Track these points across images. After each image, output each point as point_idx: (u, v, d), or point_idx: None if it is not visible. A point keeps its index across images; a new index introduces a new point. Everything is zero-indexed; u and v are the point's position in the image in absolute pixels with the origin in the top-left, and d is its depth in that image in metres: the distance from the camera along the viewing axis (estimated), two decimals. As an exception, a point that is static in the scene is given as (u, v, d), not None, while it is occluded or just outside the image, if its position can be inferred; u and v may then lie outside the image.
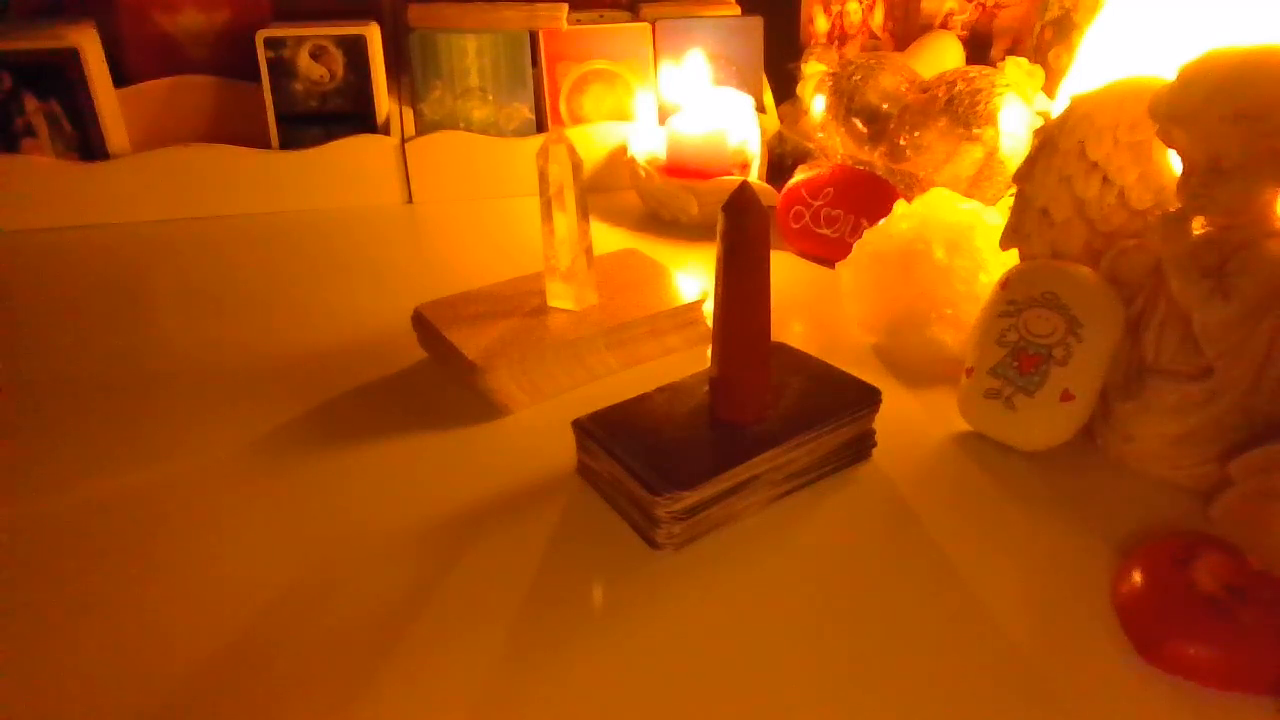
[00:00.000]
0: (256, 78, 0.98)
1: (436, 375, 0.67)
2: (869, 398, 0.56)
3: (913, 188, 0.84)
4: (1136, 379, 0.55)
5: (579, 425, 0.54)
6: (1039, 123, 0.81)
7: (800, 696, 0.42)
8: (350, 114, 1.00)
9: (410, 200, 1.02)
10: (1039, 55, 0.92)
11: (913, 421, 0.61)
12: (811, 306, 0.78)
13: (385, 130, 1.01)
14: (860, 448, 0.57)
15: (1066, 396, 0.54)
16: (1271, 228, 0.51)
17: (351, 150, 0.99)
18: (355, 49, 0.98)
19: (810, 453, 0.54)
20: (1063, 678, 0.42)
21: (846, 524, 0.52)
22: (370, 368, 0.68)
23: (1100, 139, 0.58)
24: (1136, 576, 0.45)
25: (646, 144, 0.99)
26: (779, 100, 1.11)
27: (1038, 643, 0.44)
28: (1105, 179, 0.59)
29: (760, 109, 1.05)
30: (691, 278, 0.74)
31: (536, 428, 0.61)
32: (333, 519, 0.53)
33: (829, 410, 0.54)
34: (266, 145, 0.99)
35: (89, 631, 0.45)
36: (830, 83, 0.91)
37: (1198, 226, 0.53)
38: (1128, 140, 0.58)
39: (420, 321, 0.67)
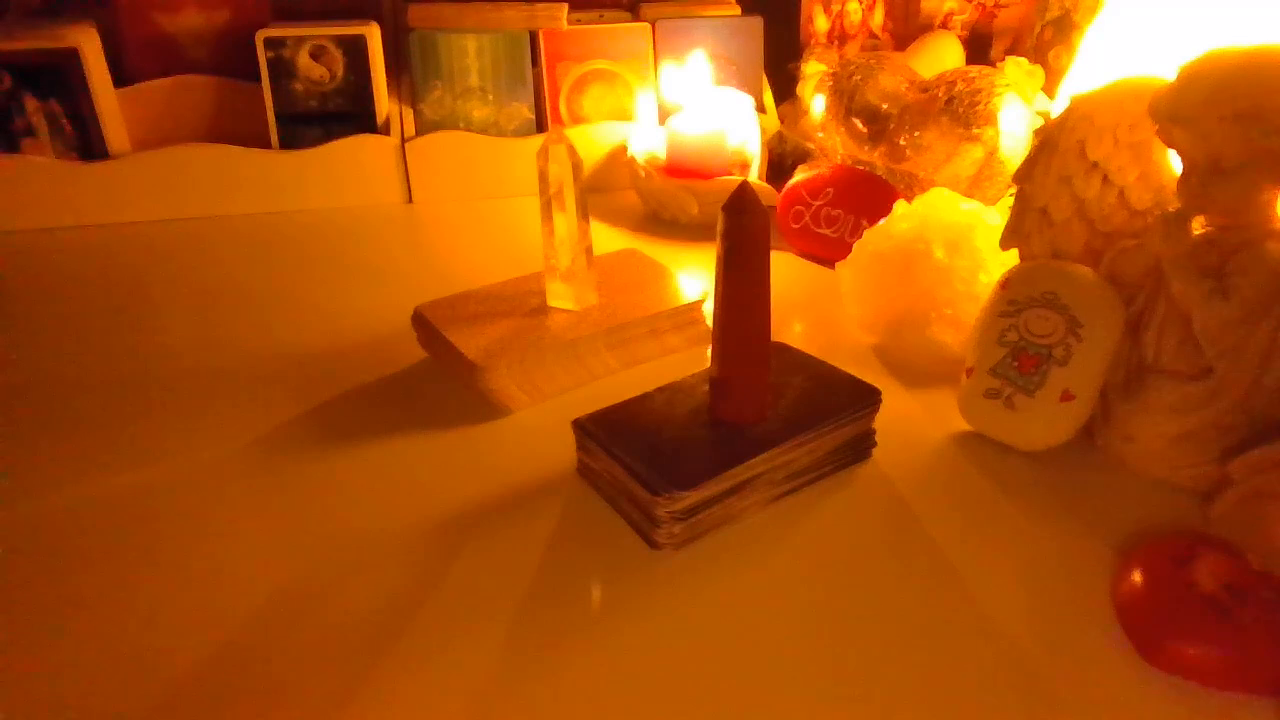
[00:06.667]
0: (256, 78, 0.98)
1: (436, 375, 0.67)
2: (869, 398, 0.56)
3: (913, 188, 0.84)
4: (1136, 379, 0.55)
5: (579, 425, 0.54)
6: (1039, 123, 0.81)
7: (800, 696, 0.42)
8: (350, 114, 1.00)
9: (410, 200, 1.02)
10: (1039, 55, 0.92)
11: (913, 421, 0.61)
12: (811, 306, 0.78)
13: (385, 130, 1.01)
14: (860, 448, 0.57)
15: (1066, 396, 0.54)
16: (1271, 228, 0.51)
17: (351, 150, 0.99)
18: (355, 49, 0.98)
19: (810, 453, 0.54)
20: (1063, 678, 0.42)
21: (846, 524, 0.52)
22: (370, 368, 0.68)
23: (1100, 139, 0.58)
24: (1136, 576, 0.45)
25: (646, 144, 0.99)
26: (779, 100, 1.11)
27: (1038, 643, 0.44)
28: (1105, 179, 0.59)
29: (760, 109, 1.05)
30: (691, 278, 0.74)
31: (536, 428, 0.61)
32: (332, 519, 0.53)
33: (829, 410, 0.54)
34: (266, 145, 0.99)
35: (88, 630, 0.45)
36: (830, 83, 0.91)
37: (1198, 226, 0.53)
38: (1128, 140, 0.58)
39: (420, 321, 0.67)
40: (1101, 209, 0.60)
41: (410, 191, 1.02)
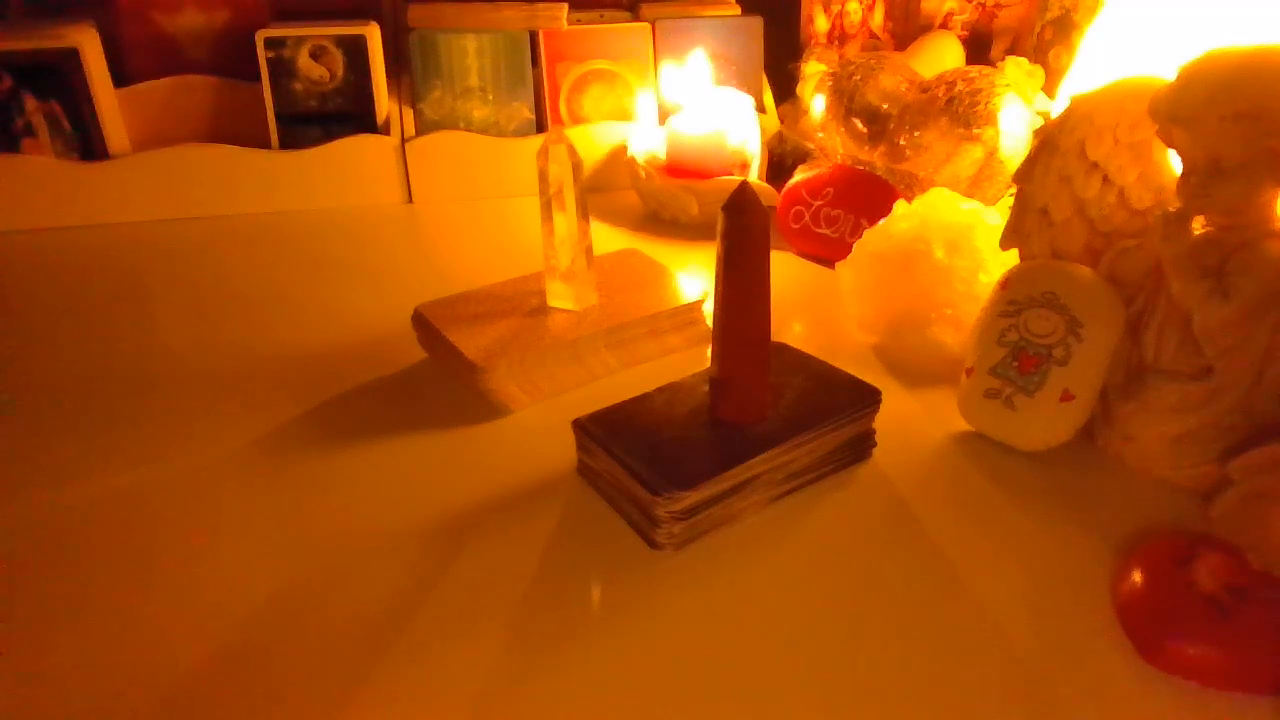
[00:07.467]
0: (256, 78, 0.98)
1: (436, 375, 0.67)
2: (869, 398, 0.56)
3: (913, 188, 0.84)
4: (1136, 379, 0.55)
5: (579, 425, 0.54)
6: (1039, 123, 0.81)
7: (800, 696, 0.42)
8: (350, 114, 1.00)
9: (410, 200, 1.02)
10: (1039, 55, 0.92)
11: (913, 421, 0.61)
12: (811, 306, 0.78)
13: (385, 130, 1.01)
14: (860, 448, 0.57)
15: (1066, 396, 0.54)
16: (1271, 228, 0.51)
17: (351, 150, 0.99)
18: (355, 49, 0.98)
19: (810, 453, 0.54)
20: (1063, 678, 0.42)
21: (846, 524, 0.52)
22: (370, 368, 0.68)
23: (1100, 139, 0.58)
24: (1136, 576, 0.45)
25: (646, 144, 0.99)
26: (779, 100, 1.11)
27: (1038, 643, 0.44)
28: (1105, 179, 0.59)
29: (760, 109, 1.05)
30: (691, 278, 0.74)
31: (536, 428, 0.61)
32: (333, 519, 0.53)
33: (829, 410, 0.54)
34: (266, 145, 0.99)
35: (88, 630, 0.45)
36: (830, 83, 0.91)
37: (1198, 226, 0.53)
38: (1128, 140, 0.58)
39: (420, 321, 0.67)
40: (1101, 209, 0.60)
41: (410, 191, 1.02)
